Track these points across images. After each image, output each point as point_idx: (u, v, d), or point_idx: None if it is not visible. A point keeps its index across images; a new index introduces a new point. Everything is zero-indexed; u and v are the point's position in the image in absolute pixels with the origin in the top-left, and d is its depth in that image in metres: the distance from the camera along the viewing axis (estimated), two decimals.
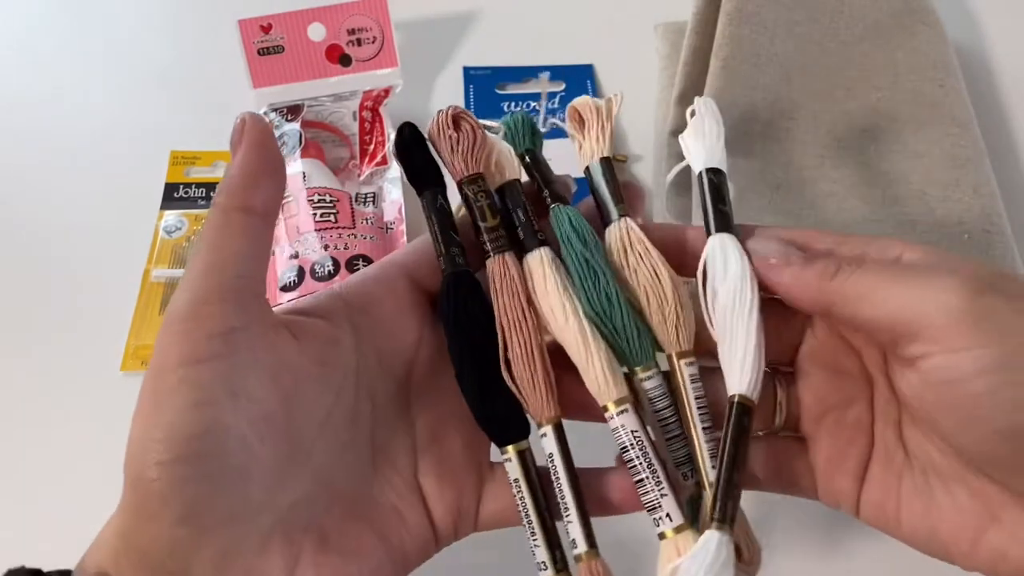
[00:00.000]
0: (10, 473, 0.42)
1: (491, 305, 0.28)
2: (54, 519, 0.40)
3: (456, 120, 0.30)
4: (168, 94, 0.56)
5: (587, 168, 0.31)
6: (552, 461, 0.27)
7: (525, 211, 0.30)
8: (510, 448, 0.28)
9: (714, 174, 0.30)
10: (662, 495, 0.26)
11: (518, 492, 0.28)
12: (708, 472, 0.27)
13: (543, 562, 0.27)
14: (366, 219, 0.46)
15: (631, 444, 0.27)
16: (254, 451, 0.24)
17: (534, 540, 0.27)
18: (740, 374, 0.27)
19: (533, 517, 0.27)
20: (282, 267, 0.44)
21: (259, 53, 0.52)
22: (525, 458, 0.28)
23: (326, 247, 0.44)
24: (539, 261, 0.29)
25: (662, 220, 0.46)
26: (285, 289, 0.43)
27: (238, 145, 0.26)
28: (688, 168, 0.45)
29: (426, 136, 0.30)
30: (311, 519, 0.26)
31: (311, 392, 0.26)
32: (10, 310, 0.47)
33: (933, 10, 0.47)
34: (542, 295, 0.28)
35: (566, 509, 0.27)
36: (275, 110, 0.51)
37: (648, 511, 0.27)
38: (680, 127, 0.47)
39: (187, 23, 0.60)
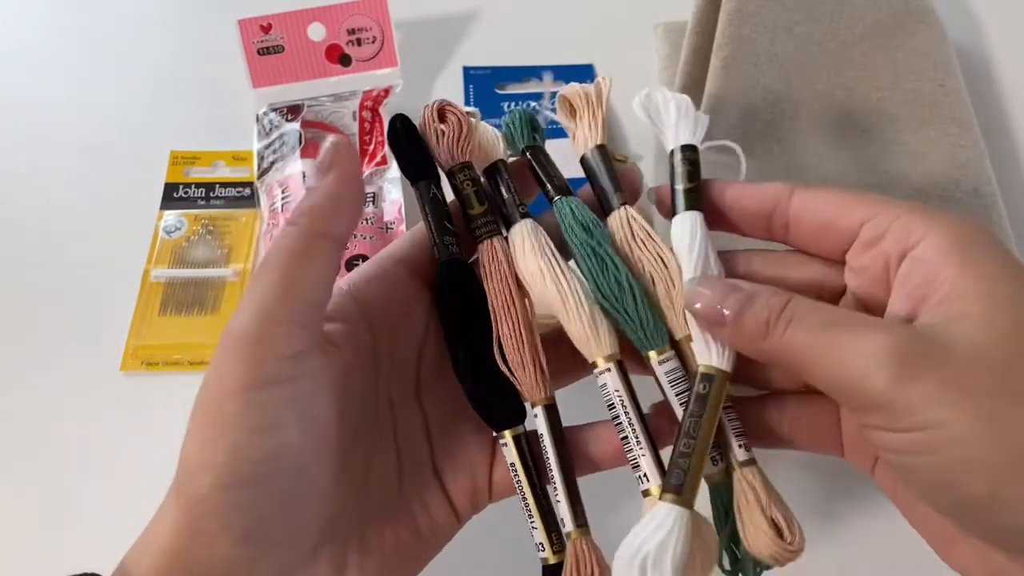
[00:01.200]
0: (10, 473, 0.42)
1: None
2: (53, 518, 0.40)
3: (442, 112, 0.30)
4: (168, 94, 0.56)
5: (583, 158, 0.31)
6: (542, 442, 0.28)
7: (509, 188, 0.30)
8: (506, 433, 0.28)
9: (684, 151, 0.30)
10: (641, 454, 0.27)
11: (515, 475, 0.28)
12: (737, 453, 0.27)
13: (540, 543, 0.28)
14: (366, 219, 0.46)
15: (615, 402, 0.27)
16: (310, 470, 0.25)
17: (532, 523, 0.28)
18: (699, 343, 0.27)
19: (529, 500, 0.28)
20: None
21: (259, 53, 0.52)
22: (520, 443, 0.28)
23: None
24: (520, 232, 0.29)
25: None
26: None
27: (328, 171, 0.26)
28: None
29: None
30: (351, 525, 0.27)
31: (349, 402, 0.27)
32: (10, 310, 0.47)
33: (933, 10, 0.48)
34: (522, 262, 0.29)
35: (555, 490, 0.28)
36: (275, 110, 0.51)
37: (632, 468, 0.27)
38: None
39: (187, 23, 0.60)
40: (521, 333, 0.28)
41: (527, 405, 0.29)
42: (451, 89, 0.55)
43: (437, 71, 0.56)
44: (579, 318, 0.28)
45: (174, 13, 0.60)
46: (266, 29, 0.51)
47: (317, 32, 0.52)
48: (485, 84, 0.55)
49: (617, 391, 0.27)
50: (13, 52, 0.58)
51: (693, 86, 0.46)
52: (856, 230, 0.26)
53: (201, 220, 0.50)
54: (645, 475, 0.27)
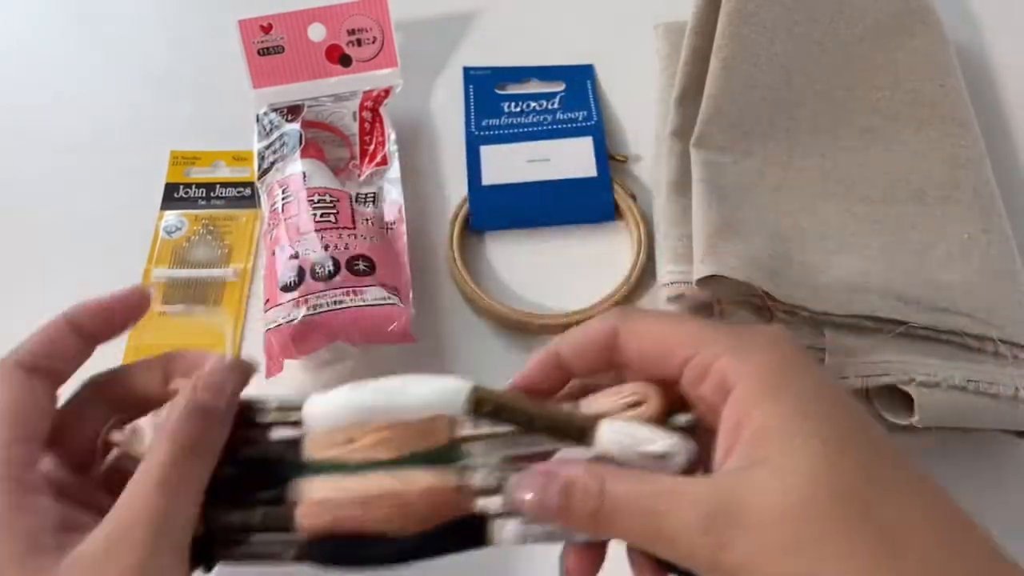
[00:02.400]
0: None
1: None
2: None
3: (107, 446, 0.33)
4: (168, 94, 0.56)
5: None
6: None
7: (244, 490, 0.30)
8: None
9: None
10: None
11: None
12: None
13: None
14: (366, 219, 0.46)
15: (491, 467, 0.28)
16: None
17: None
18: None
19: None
20: (282, 267, 0.44)
21: (259, 53, 0.52)
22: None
23: (326, 247, 0.44)
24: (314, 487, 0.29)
25: (661, 221, 0.45)
26: (285, 289, 0.43)
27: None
28: (687, 166, 0.45)
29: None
30: None
31: None
32: (11, 310, 0.47)
33: (933, 10, 0.48)
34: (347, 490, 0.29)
35: None
36: (275, 110, 0.51)
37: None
38: (680, 127, 0.47)
39: (187, 23, 0.60)
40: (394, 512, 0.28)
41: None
42: (451, 89, 0.55)
43: (437, 71, 0.56)
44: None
45: (174, 13, 0.60)
46: (266, 29, 0.51)
47: (317, 32, 0.52)
48: (485, 84, 0.55)
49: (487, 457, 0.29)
50: (13, 52, 0.58)
51: (693, 86, 0.46)
52: (680, 371, 0.27)
53: (201, 220, 0.50)
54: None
